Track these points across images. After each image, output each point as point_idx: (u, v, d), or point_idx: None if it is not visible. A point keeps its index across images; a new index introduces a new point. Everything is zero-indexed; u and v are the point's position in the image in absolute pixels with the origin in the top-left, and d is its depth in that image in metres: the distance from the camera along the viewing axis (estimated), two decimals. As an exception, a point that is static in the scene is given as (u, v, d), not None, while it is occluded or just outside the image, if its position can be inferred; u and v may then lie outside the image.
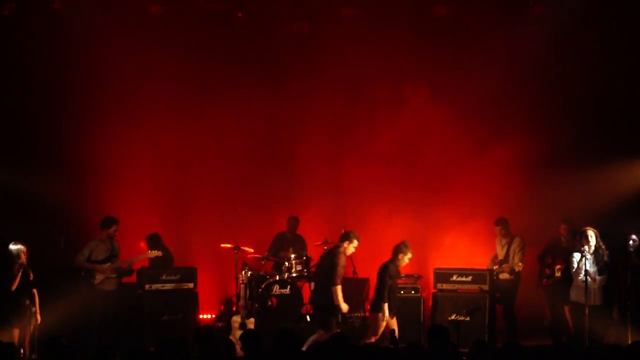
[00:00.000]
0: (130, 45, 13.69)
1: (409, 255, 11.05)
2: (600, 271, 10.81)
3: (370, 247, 13.68)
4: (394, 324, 10.96)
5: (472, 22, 14.02)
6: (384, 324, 10.85)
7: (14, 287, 10.67)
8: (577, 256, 10.90)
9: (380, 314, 10.82)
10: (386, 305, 10.84)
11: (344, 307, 10.94)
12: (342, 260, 11.01)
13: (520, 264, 12.20)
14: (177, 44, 14.06)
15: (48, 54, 13.53)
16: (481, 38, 13.93)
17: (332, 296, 10.86)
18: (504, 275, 12.42)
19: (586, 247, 10.74)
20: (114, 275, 11.88)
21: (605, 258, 10.88)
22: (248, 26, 14.31)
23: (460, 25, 14.08)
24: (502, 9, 13.88)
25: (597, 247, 10.82)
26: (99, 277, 11.75)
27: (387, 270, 11.00)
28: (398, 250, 11.06)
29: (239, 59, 14.46)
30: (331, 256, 11.11)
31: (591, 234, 10.82)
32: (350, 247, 11.16)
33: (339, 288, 10.89)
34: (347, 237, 11.18)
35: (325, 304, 10.95)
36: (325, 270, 11.09)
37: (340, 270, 10.97)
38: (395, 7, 14.02)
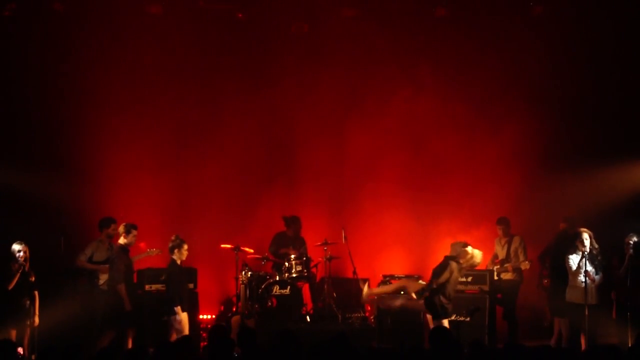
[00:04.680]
0: (130, 45, 13.70)
1: (185, 246, 11.07)
2: (595, 271, 10.88)
3: (370, 248, 13.74)
4: (185, 318, 10.99)
5: (471, 23, 14.04)
6: (183, 324, 10.89)
7: (10, 287, 10.65)
8: (574, 257, 10.96)
9: (177, 317, 10.82)
10: (179, 308, 10.86)
11: (127, 306, 11.00)
12: (121, 257, 11.04)
13: (527, 262, 12.24)
14: (177, 45, 14.06)
15: (48, 54, 13.52)
16: (481, 39, 13.97)
17: (120, 296, 10.93)
18: (506, 275, 12.42)
19: (585, 248, 10.81)
20: None
21: (600, 258, 10.94)
22: (248, 26, 14.32)
23: (460, 26, 14.09)
24: (501, 10, 13.89)
25: (591, 248, 10.90)
26: (102, 278, 11.73)
27: (174, 275, 11.00)
28: (173, 247, 11.04)
29: (239, 60, 14.48)
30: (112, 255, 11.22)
31: (586, 236, 10.89)
32: (130, 238, 11.16)
33: (122, 287, 10.96)
34: (123, 229, 11.19)
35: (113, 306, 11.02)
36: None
37: (121, 268, 10.98)
38: (395, 8, 14.04)
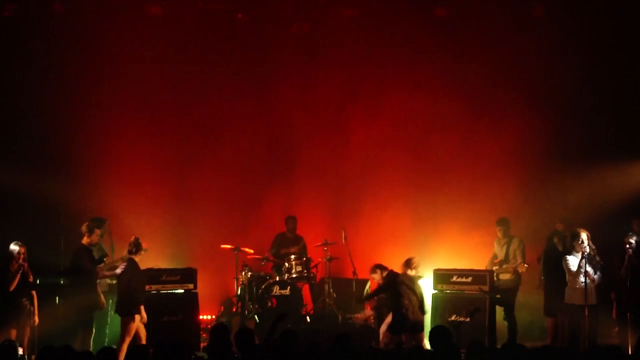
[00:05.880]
0: (130, 46, 13.69)
1: (142, 250, 11.04)
2: (594, 271, 10.88)
3: (370, 248, 13.74)
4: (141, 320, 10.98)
5: (471, 23, 14.04)
6: (136, 325, 10.77)
7: (12, 288, 10.63)
8: (572, 258, 10.94)
9: (137, 316, 10.72)
10: (142, 307, 10.78)
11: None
12: (82, 257, 10.96)
13: (524, 265, 12.22)
14: (177, 45, 14.07)
15: (48, 54, 13.52)
16: (481, 38, 13.95)
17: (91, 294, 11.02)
18: (505, 276, 12.41)
19: (585, 249, 10.81)
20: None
21: (598, 258, 10.94)
22: (248, 26, 14.33)
23: (459, 25, 14.09)
24: (502, 10, 13.89)
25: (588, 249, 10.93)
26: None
27: (133, 275, 10.88)
28: (135, 249, 10.96)
29: (239, 60, 14.49)
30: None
31: (584, 237, 10.88)
32: (93, 237, 11.11)
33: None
34: (86, 228, 11.09)
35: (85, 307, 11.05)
36: None
37: (86, 267, 10.91)
38: (395, 8, 14.04)
